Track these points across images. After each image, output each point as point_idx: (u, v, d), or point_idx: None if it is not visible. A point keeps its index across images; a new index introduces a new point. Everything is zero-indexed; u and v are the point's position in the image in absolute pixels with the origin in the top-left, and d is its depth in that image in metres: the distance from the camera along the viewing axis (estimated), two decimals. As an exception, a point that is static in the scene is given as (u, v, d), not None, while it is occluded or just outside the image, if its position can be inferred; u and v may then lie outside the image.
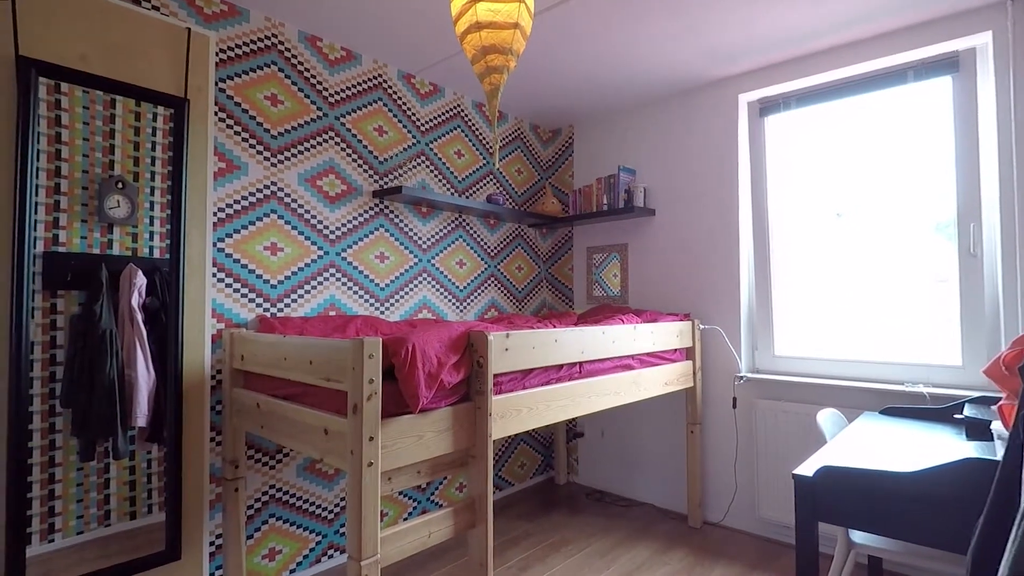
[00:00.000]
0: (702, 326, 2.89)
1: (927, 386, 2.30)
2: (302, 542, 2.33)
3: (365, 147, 2.63)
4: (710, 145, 2.94)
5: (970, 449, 1.55)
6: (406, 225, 2.79)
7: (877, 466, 1.34)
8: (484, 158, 3.24)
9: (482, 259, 3.20)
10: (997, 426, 1.18)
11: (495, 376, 1.75)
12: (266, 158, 2.29)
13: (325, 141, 2.49)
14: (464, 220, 3.10)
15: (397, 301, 2.73)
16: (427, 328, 1.68)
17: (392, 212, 2.73)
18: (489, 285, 3.24)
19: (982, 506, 1.17)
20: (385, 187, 2.65)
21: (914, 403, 2.28)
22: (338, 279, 2.50)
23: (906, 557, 1.63)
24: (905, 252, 2.48)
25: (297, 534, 2.31)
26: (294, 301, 2.35)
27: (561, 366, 2.04)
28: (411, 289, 2.80)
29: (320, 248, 2.45)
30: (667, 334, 2.64)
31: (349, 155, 2.57)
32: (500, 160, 3.34)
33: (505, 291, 3.34)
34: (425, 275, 2.87)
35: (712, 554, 2.54)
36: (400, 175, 2.77)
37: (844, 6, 2.16)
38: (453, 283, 3.02)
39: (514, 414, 1.82)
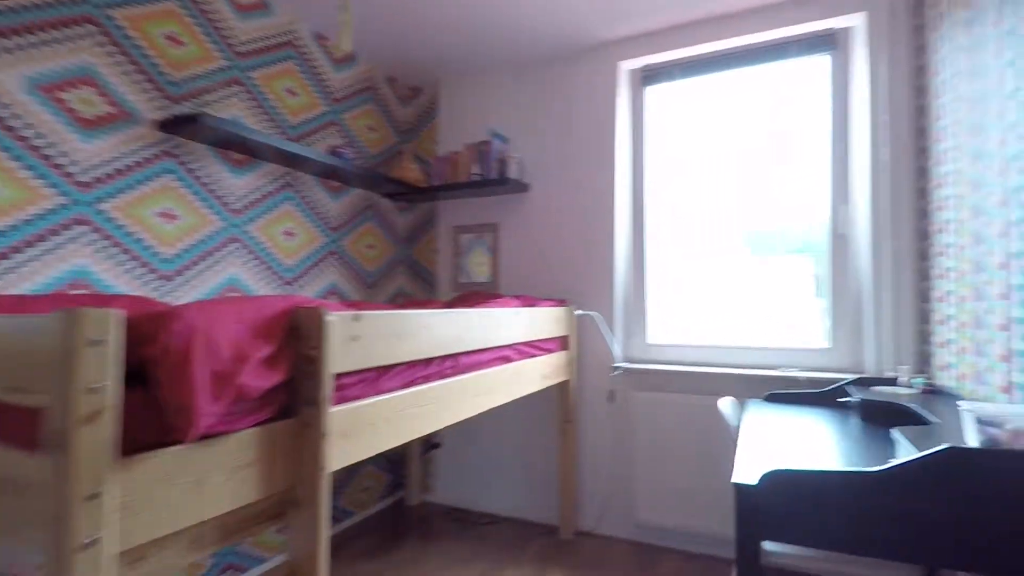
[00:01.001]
0: (579, 312, 2.59)
1: (801, 370, 2.24)
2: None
3: (147, 57, 1.85)
4: (588, 116, 2.65)
5: (881, 434, 1.41)
6: (209, 175, 2.05)
7: (830, 466, 1.08)
8: (325, 104, 2.58)
9: (320, 231, 2.54)
10: (984, 407, 0.98)
11: (336, 377, 1.19)
12: (-41, 43, 1.43)
13: (79, 37, 1.67)
14: (296, 178, 2.41)
15: (191, 279, 1.97)
16: (220, 303, 1.06)
17: (188, 155, 1.97)
18: (328, 265, 2.59)
19: (966, 502, 0.95)
20: (179, 116, 1.89)
21: (789, 387, 2.20)
22: (92, 242, 1.69)
23: (824, 564, 1.44)
24: (777, 236, 2.43)
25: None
26: (12, 271, 1.51)
27: (431, 360, 1.54)
28: (213, 263, 2.05)
29: (63, 194, 1.62)
30: (546, 320, 2.27)
31: (119, 64, 1.77)
32: (347, 111, 2.70)
33: (351, 274, 2.72)
34: (236, 245, 2.14)
35: (589, 570, 2.23)
36: (204, 106, 2.02)
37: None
38: (276, 259, 2.32)
39: (365, 430, 1.27)
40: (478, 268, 2.92)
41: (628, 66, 2.62)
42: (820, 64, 2.28)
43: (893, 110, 2.05)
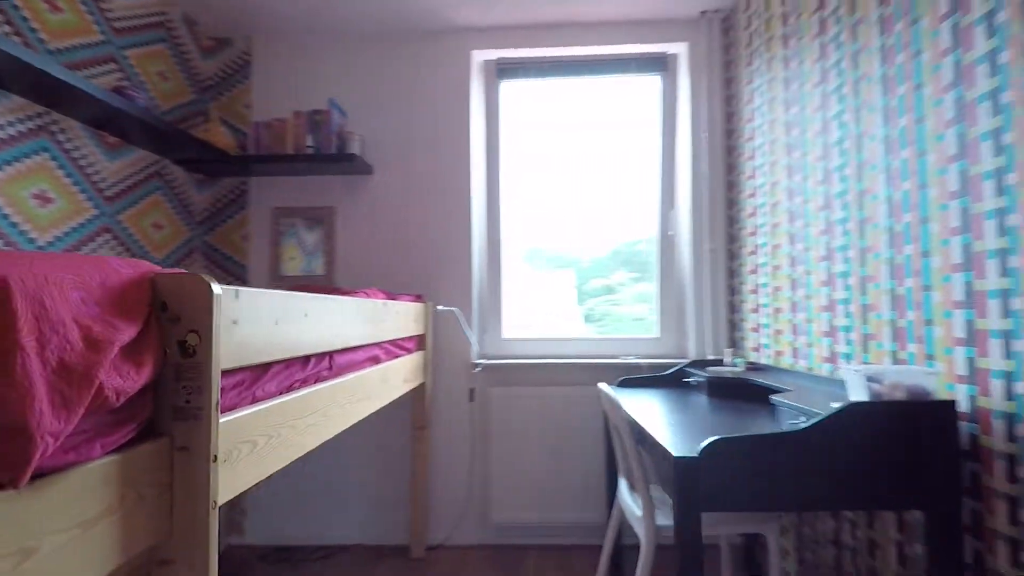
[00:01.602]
0: (439, 307, 2.41)
1: (637, 357, 2.44)
2: None
3: None
4: (441, 102, 2.51)
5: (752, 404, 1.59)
6: (-95, 93, 1.32)
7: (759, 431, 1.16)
8: (101, 33, 1.92)
9: (89, 200, 1.87)
10: (867, 368, 1.15)
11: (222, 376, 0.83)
12: None
13: None
14: (57, 125, 1.73)
15: None
16: (37, 256, 0.64)
17: None
18: (100, 246, 1.92)
19: (870, 449, 1.11)
20: None
21: (633, 373, 2.37)
22: None
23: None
24: (613, 234, 2.64)
25: None
26: None
27: (308, 358, 1.21)
28: (-86, 229, 1.33)
29: None
30: (408, 317, 2.05)
31: None
32: (131, 48, 2.06)
33: (131, 258, 2.06)
34: (-45, 206, 1.43)
35: (453, 587, 2.06)
36: None
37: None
38: (23, 232, 1.63)
39: (245, 451, 0.92)
40: (301, 258, 2.51)
41: (482, 56, 2.56)
42: (654, 83, 2.55)
43: (710, 130, 2.40)
